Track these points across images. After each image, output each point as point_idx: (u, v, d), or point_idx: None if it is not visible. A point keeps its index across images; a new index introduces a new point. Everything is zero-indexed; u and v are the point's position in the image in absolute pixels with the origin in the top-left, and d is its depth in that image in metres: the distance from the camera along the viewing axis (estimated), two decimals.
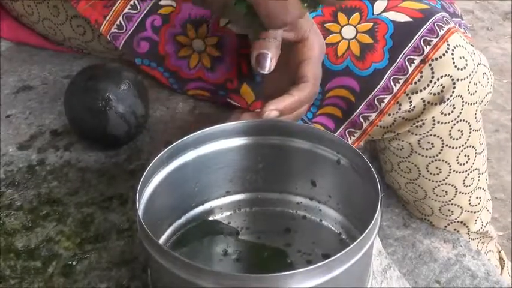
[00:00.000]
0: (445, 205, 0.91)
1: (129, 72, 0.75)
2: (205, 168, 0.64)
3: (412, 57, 0.76)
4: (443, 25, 0.77)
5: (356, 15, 0.77)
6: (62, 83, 0.88)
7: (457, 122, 0.81)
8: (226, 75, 0.80)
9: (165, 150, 0.60)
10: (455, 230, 0.95)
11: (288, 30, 0.69)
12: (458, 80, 0.77)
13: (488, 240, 1.01)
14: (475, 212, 0.93)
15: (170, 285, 0.53)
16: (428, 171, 0.86)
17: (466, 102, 0.80)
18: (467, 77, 0.78)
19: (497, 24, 2.33)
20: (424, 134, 0.81)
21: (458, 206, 0.91)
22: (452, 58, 0.76)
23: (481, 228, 0.96)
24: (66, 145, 0.78)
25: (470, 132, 0.83)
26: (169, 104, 0.85)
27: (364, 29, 0.77)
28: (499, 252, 1.07)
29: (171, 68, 0.82)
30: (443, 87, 0.77)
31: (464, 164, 0.86)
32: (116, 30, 0.81)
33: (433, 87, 0.77)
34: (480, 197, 0.92)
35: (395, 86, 0.76)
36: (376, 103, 0.77)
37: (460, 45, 0.77)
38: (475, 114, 0.82)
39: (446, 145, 0.83)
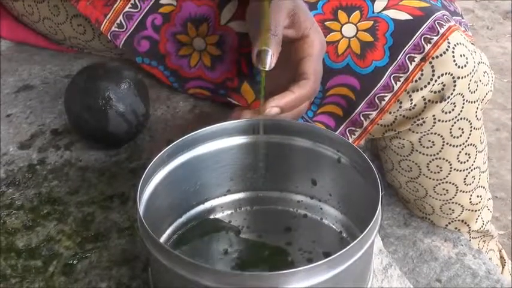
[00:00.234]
0: (445, 204, 0.91)
1: (129, 71, 0.75)
2: (206, 167, 0.64)
3: (412, 55, 0.76)
4: (443, 23, 0.76)
5: (356, 14, 0.77)
6: (63, 83, 0.88)
7: (458, 120, 0.81)
8: (226, 74, 0.80)
9: (165, 149, 0.60)
10: (456, 228, 0.95)
11: (289, 28, 0.69)
12: (458, 78, 0.77)
13: (489, 239, 1.01)
14: (475, 211, 0.93)
15: (171, 284, 0.53)
16: (429, 169, 0.86)
17: (466, 101, 0.80)
18: (467, 75, 0.78)
19: (497, 23, 2.33)
20: (425, 132, 0.81)
21: (459, 204, 0.91)
22: (453, 56, 0.76)
23: (482, 227, 0.96)
24: (67, 144, 0.78)
25: (471, 131, 0.83)
26: (170, 103, 0.85)
27: (364, 27, 0.77)
28: (500, 251, 1.07)
29: (171, 66, 0.82)
30: (444, 85, 0.77)
31: (465, 163, 0.86)
32: (117, 29, 0.81)
33: (433, 85, 0.77)
34: (481, 196, 0.92)
35: (396, 84, 0.76)
36: (377, 101, 0.77)
37: (460, 43, 0.77)
38: (476, 112, 0.82)
39: (447, 143, 0.83)
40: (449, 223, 0.95)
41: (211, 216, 0.67)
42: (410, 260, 0.92)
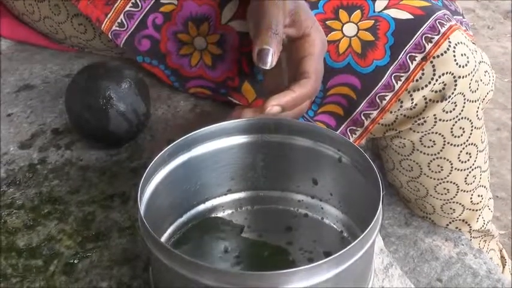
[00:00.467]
0: (446, 203, 0.91)
1: (130, 70, 0.75)
2: (207, 167, 0.64)
3: (413, 54, 0.76)
4: (444, 22, 0.76)
5: (357, 13, 0.77)
6: (63, 82, 0.88)
7: (459, 119, 0.81)
8: (227, 74, 0.80)
9: (166, 149, 0.60)
10: (456, 228, 0.95)
11: (290, 26, 0.69)
12: (459, 77, 0.77)
13: (490, 239, 1.01)
14: (476, 210, 0.93)
15: (172, 283, 0.53)
16: (429, 169, 0.86)
17: (467, 100, 0.80)
18: (468, 74, 0.78)
19: (498, 23, 2.33)
20: (426, 131, 0.81)
21: (459, 204, 0.91)
22: (454, 55, 0.76)
23: (483, 226, 0.96)
24: (68, 144, 0.78)
25: (471, 130, 0.83)
26: (171, 102, 0.85)
27: (365, 27, 0.77)
28: (501, 250, 1.07)
29: (172, 66, 0.82)
30: (445, 84, 0.77)
31: (465, 162, 0.86)
32: (117, 28, 0.81)
33: (434, 84, 0.77)
34: (482, 195, 0.92)
35: (397, 83, 0.76)
36: (378, 101, 0.77)
37: (461, 43, 0.77)
38: (477, 112, 0.82)
39: (448, 143, 0.83)
40: (450, 223, 0.95)
41: (212, 216, 0.67)
42: (411, 259, 0.92)
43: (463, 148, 0.84)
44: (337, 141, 0.62)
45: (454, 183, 0.87)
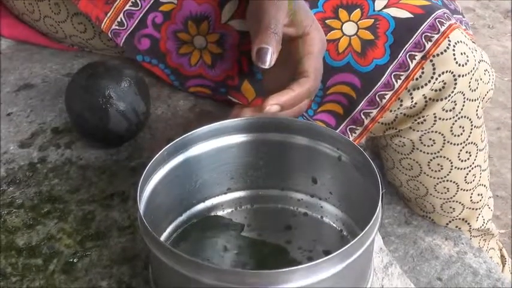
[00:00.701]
0: (446, 202, 0.91)
1: (129, 69, 0.75)
2: (206, 166, 0.64)
3: (413, 53, 0.75)
4: (444, 21, 0.76)
5: (357, 12, 0.77)
6: (63, 81, 0.88)
7: (459, 118, 0.81)
8: (227, 73, 0.80)
9: (165, 148, 0.60)
10: (456, 227, 0.95)
11: (289, 26, 0.69)
12: (459, 76, 0.77)
13: (490, 238, 1.01)
14: (476, 209, 0.93)
15: (171, 282, 0.53)
16: (429, 168, 0.86)
17: (467, 99, 0.80)
18: (468, 73, 0.78)
19: (498, 22, 2.33)
20: (426, 130, 0.81)
21: (459, 203, 0.91)
22: (454, 54, 0.76)
23: (483, 225, 0.96)
24: (67, 143, 0.78)
25: (471, 129, 0.83)
26: (170, 101, 0.85)
27: (365, 25, 0.77)
28: (501, 249, 1.07)
29: (172, 65, 0.82)
30: (445, 83, 0.77)
31: (465, 161, 0.85)
32: (117, 27, 0.81)
33: (434, 83, 0.76)
34: (482, 194, 0.92)
35: (397, 82, 0.76)
36: (378, 99, 0.77)
37: (461, 42, 0.77)
38: (477, 110, 0.82)
39: (448, 141, 0.83)
40: (450, 221, 0.95)
41: (212, 215, 0.67)
42: (411, 258, 0.92)
43: (463, 147, 0.84)
44: (336, 140, 0.62)
45: (453, 182, 0.87)
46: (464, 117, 0.81)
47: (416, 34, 0.76)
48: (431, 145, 0.83)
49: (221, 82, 0.81)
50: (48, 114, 0.83)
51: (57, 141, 0.78)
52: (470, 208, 0.92)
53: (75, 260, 0.63)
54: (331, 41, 0.76)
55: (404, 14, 0.77)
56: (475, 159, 0.86)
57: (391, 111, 0.78)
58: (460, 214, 0.93)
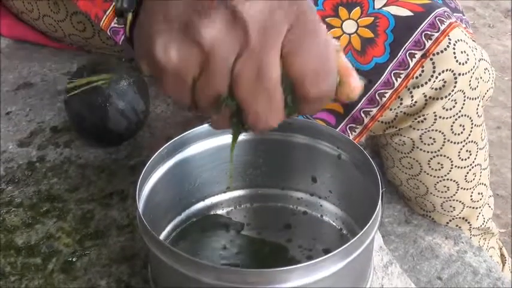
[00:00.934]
0: (446, 201, 0.90)
1: (129, 68, 0.75)
2: (206, 164, 0.64)
3: (413, 51, 0.75)
4: (444, 20, 0.76)
5: (357, 10, 0.77)
6: (62, 80, 0.88)
7: (459, 117, 0.80)
8: None
9: (164, 146, 0.60)
10: (457, 226, 0.95)
11: None
12: (459, 74, 0.77)
13: (490, 237, 1.01)
14: (476, 208, 0.93)
15: (170, 281, 0.53)
16: (429, 166, 0.86)
17: (467, 97, 0.79)
18: (468, 71, 0.77)
19: (498, 22, 2.33)
20: (426, 129, 0.81)
21: (460, 201, 0.91)
22: (454, 53, 0.76)
23: (483, 224, 0.96)
24: (66, 142, 0.78)
25: (471, 128, 0.83)
26: (169, 100, 0.85)
27: (365, 24, 0.76)
28: (501, 248, 1.07)
29: None
30: (445, 82, 0.77)
31: (465, 160, 0.85)
32: (116, 25, 0.81)
33: (434, 82, 0.76)
34: (482, 193, 0.92)
35: (397, 80, 0.76)
36: (377, 98, 0.77)
37: (461, 40, 0.77)
38: (477, 109, 0.82)
39: (448, 140, 0.82)
40: (450, 220, 0.94)
41: (211, 213, 0.66)
42: (411, 257, 0.92)
43: (463, 146, 0.84)
44: (336, 139, 0.62)
45: (454, 181, 0.87)
46: (465, 115, 0.81)
47: (416, 32, 0.75)
48: (432, 144, 0.83)
49: None
50: (47, 113, 0.83)
51: (56, 140, 0.78)
52: (470, 207, 0.92)
53: (74, 259, 0.63)
54: None
55: (404, 12, 0.76)
56: (475, 158, 0.86)
57: (391, 109, 0.78)
58: (460, 213, 0.93)
